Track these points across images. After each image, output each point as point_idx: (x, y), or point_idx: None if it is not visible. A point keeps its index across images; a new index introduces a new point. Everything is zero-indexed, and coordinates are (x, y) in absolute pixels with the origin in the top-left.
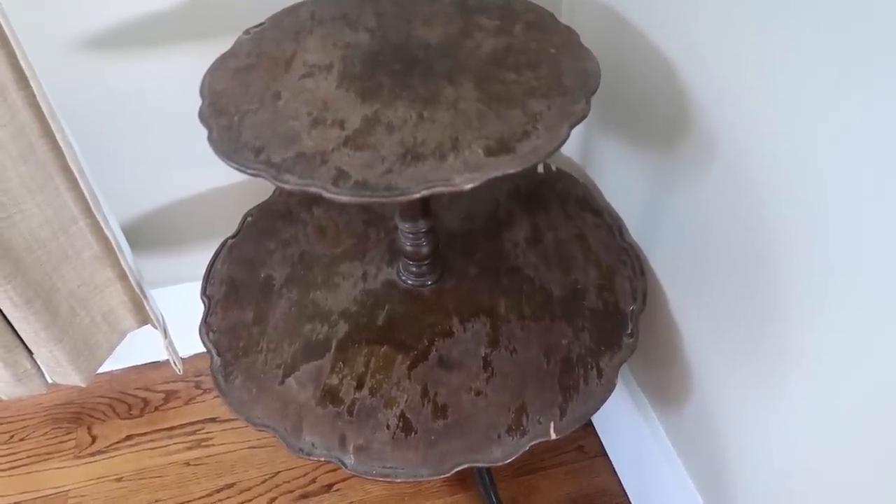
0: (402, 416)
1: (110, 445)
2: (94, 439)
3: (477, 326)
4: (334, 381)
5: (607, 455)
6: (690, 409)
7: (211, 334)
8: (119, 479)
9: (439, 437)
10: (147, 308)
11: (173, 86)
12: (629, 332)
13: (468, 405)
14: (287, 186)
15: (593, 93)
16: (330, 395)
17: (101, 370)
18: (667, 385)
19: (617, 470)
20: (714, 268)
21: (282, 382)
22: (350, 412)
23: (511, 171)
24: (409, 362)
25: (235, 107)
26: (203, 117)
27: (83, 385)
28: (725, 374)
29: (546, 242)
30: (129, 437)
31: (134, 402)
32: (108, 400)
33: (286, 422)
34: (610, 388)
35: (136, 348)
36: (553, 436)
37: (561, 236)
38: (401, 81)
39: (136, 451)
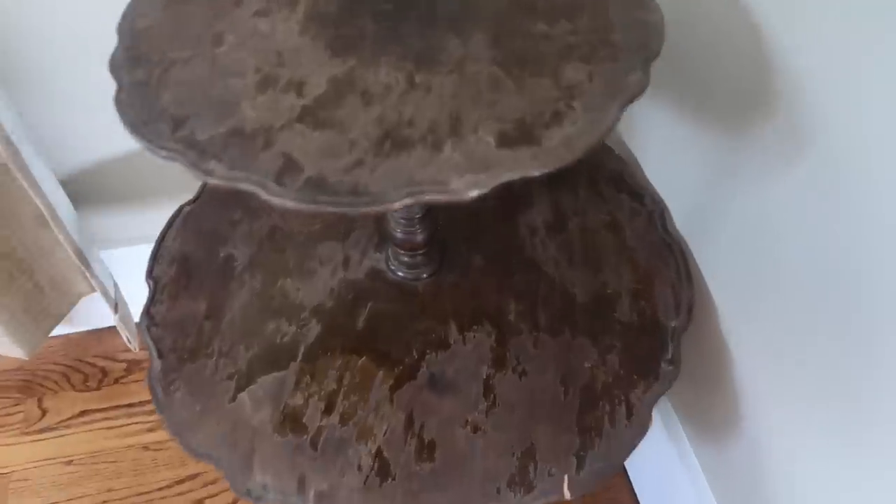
0: (379, 453)
1: (62, 421)
2: (44, 413)
3: (479, 337)
4: (298, 400)
5: (634, 492)
6: (737, 453)
7: (153, 329)
8: (69, 462)
9: (423, 486)
10: (89, 277)
11: (109, 11)
12: (669, 356)
13: (462, 444)
14: (211, 180)
15: (654, 57)
16: (291, 420)
17: (56, 332)
18: (711, 419)
19: None
20: (786, 285)
21: (233, 399)
22: (314, 444)
23: (534, 172)
24: (392, 381)
25: (161, 53)
26: (114, 67)
27: (25, 358)
28: (786, 416)
29: (570, 230)
30: (83, 413)
31: (91, 371)
32: (63, 368)
33: (234, 452)
34: (641, 431)
35: (98, 310)
36: (567, 495)
37: (589, 223)
38: (388, 29)
39: (91, 430)
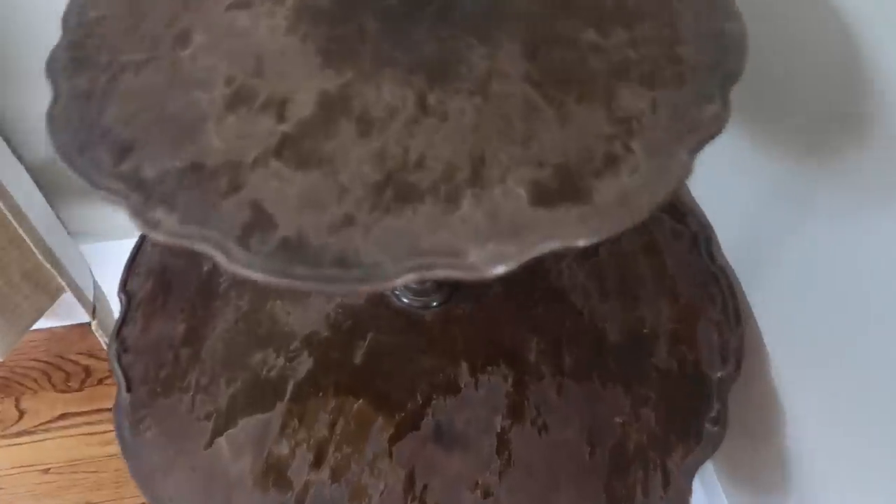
0: None
1: (40, 425)
2: (21, 415)
3: (494, 381)
4: (283, 449)
5: None
6: None
7: (124, 355)
8: (46, 471)
9: None
10: (58, 276)
11: None
12: (714, 414)
13: None
14: (156, 235)
15: (734, 80)
16: (275, 472)
17: (38, 325)
18: (759, 487)
19: None
20: (862, 341)
21: (210, 443)
22: (300, 501)
23: (580, 242)
24: (392, 430)
25: (111, 54)
26: (52, 69)
27: (0, 359)
28: (849, 490)
29: (602, 255)
30: (63, 416)
31: (73, 370)
32: (43, 365)
33: None
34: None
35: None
36: None
37: (624, 247)
38: (395, 30)
39: (70, 436)
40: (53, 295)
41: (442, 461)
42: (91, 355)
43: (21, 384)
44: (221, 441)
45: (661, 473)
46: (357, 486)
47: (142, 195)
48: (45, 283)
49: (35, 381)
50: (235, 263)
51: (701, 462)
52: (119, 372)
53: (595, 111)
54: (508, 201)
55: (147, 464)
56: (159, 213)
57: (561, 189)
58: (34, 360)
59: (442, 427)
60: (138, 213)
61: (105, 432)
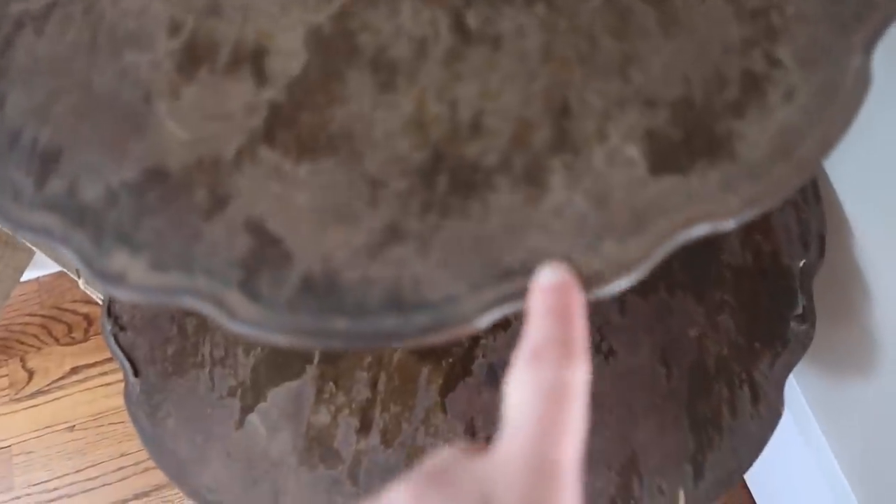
0: None
1: (53, 383)
2: (30, 375)
3: None
4: (323, 417)
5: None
6: (891, 447)
7: (121, 334)
8: (72, 428)
9: None
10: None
11: None
12: (800, 311)
13: None
14: (122, 294)
15: None
16: (319, 445)
17: (26, 277)
18: (851, 399)
19: None
20: None
21: (240, 423)
22: (354, 477)
23: (730, 223)
24: (441, 380)
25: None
26: None
27: None
28: None
29: None
30: (74, 370)
31: (74, 320)
32: (41, 319)
33: (254, 495)
34: (772, 420)
35: None
36: None
37: None
38: None
39: (88, 389)
40: (31, 250)
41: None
42: (88, 301)
43: (22, 343)
44: (253, 418)
45: (748, 388)
46: (413, 449)
47: (87, 231)
48: (16, 240)
49: (35, 337)
50: (242, 323)
51: (791, 367)
52: (121, 355)
53: (715, 4)
54: (617, 170)
55: (176, 456)
56: (120, 259)
57: (689, 141)
58: (29, 314)
59: (496, 369)
60: (89, 263)
61: (122, 381)
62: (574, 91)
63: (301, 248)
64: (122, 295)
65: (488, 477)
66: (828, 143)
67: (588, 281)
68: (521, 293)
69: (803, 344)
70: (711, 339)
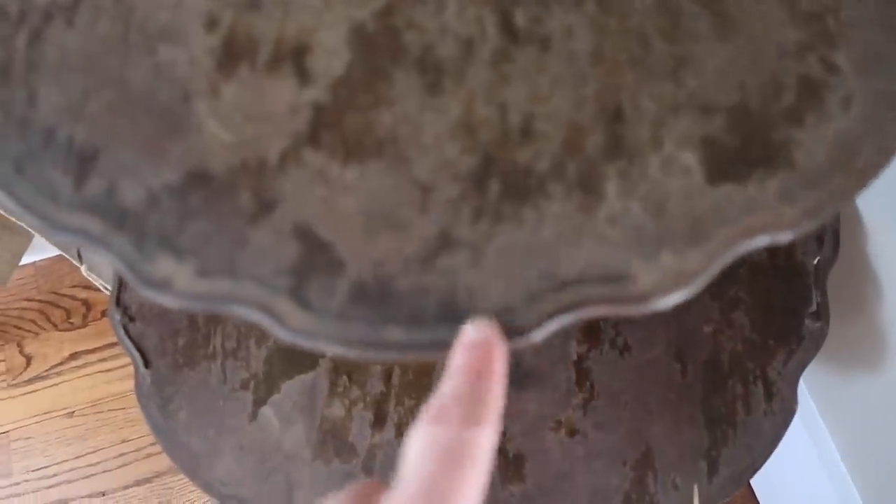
0: None
1: (51, 369)
2: (28, 361)
3: None
4: (337, 410)
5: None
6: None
7: (131, 325)
8: (71, 414)
9: None
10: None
11: None
12: (814, 308)
13: (557, 455)
14: (168, 300)
15: None
16: (334, 439)
17: (23, 261)
18: (860, 400)
19: None
20: None
21: (254, 415)
22: (369, 470)
23: (788, 235)
24: None
25: None
26: None
27: None
28: None
29: None
30: (73, 356)
31: (72, 305)
32: (38, 305)
33: (267, 489)
34: (786, 417)
35: None
36: None
37: None
38: None
39: (87, 375)
40: (29, 234)
41: (517, 403)
42: (87, 287)
43: (19, 328)
44: (266, 411)
45: (762, 384)
46: None
47: (130, 235)
48: (15, 224)
49: (33, 322)
50: (294, 332)
51: (804, 365)
52: (130, 346)
53: (769, 6)
54: (674, 178)
55: (189, 448)
56: (165, 265)
57: (745, 149)
58: (26, 299)
59: (510, 364)
60: (132, 267)
61: (122, 366)
62: (626, 95)
63: (351, 255)
64: (169, 301)
65: None
66: (887, 152)
67: (647, 293)
68: (579, 304)
69: (817, 341)
70: (726, 336)
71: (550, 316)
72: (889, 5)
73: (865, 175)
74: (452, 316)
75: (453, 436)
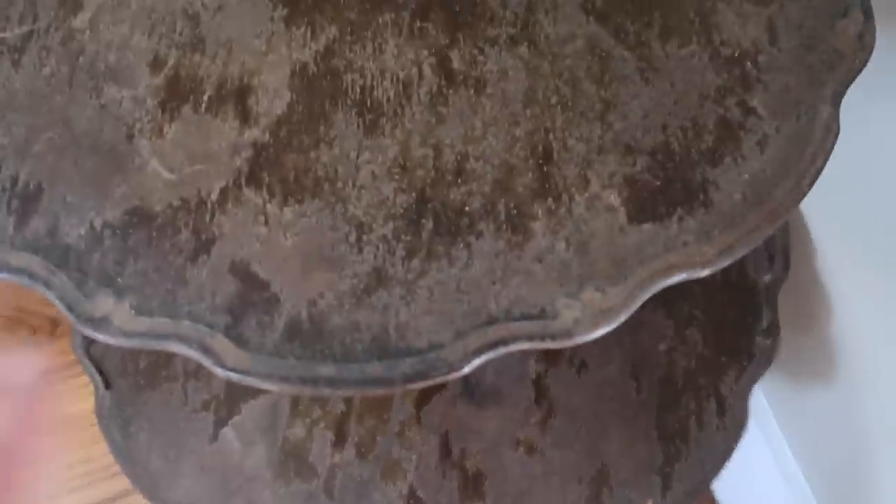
0: (413, 495)
1: None
2: None
3: None
4: (298, 431)
5: None
6: (848, 456)
7: (92, 345)
8: (35, 434)
9: None
10: None
11: None
12: (765, 326)
13: (516, 472)
14: (107, 338)
15: None
16: (295, 459)
17: None
18: (813, 408)
19: None
20: None
21: (214, 437)
22: (329, 491)
23: (706, 270)
24: (416, 392)
25: None
26: None
27: None
28: None
29: None
30: (41, 373)
31: (38, 322)
32: (4, 321)
33: None
34: (737, 431)
35: None
36: None
37: None
38: None
39: (54, 394)
40: None
41: (476, 420)
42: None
43: None
44: (227, 432)
45: (714, 400)
46: (388, 462)
47: (70, 273)
48: None
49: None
50: (230, 368)
51: (754, 380)
52: (91, 368)
53: (692, 52)
54: (598, 218)
55: (148, 470)
56: (104, 303)
57: (666, 189)
58: None
59: (471, 382)
60: (72, 307)
61: (88, 384)
62: (556, 136)
63: (287, 292)
64: (107, 339)
65: None
66: (798, 193)
67: (569, 329)
68: (505, 340)
69: (768, 357)
70: (680, 353)
71: (477, 352)
72: (804, 51)
73: (778, 214)
74: (383, 352)
75: None
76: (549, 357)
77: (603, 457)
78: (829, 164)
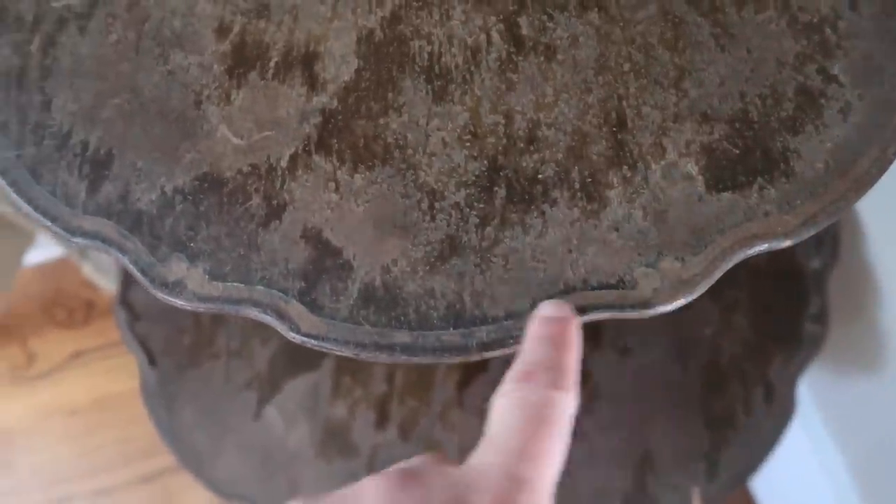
0: None
1: (55, 366)
2: (32, 358)
3: None
4: (340, 410)
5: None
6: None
7: (136, 324)
8: (73, 413)
9: None
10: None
11: None
12: (814, 311)
13: None
14: (181, 303)
15: None
16: (336, 439)
17: (26, 260)
18: (859, 401)
19: None
20: None
21: (258, 415)
22: (371, 470)
23: (787, 241)
24: (458, 375)
25: (36, 1)
26: None
27: None
28: None
29: None
30: (76, 355)
31: (76, 304)
32: (41, 302)
33: (271, 487)
34: (785, 418)
35: None
36: None
37: None
38: None
39: (90, 375)
40: (32, 233)
41: None
42: (90, 286)
43: (23, 325)
44: (270, 410)
45: (762, 387)
46: (430, 443)
47: (143, 238)
48: (19, 224)
49: (37, 320)
50: (305, 334)
51: (803, 367)
52: (136, 345)
53: (768, 17)
54: (676, 187)
55: (193, 447)
56: (178, 268)
57: (745, 158)
58: (30, 298)
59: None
60: (146, 270)
61: (125, 365)
62: (630, 103)
63: (360, 259)
64: (182, 304)
65: (463, 482)
66: (884, 161)
67: (648, 299)
68: (583, 309)
69: (816, 344)
70: (726, 338)
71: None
72: (885, 17)
73: (863, 184)
74: (459, 321)
75: (541, 396)
76: (593, 341)
77: (647, 442)
78: None
